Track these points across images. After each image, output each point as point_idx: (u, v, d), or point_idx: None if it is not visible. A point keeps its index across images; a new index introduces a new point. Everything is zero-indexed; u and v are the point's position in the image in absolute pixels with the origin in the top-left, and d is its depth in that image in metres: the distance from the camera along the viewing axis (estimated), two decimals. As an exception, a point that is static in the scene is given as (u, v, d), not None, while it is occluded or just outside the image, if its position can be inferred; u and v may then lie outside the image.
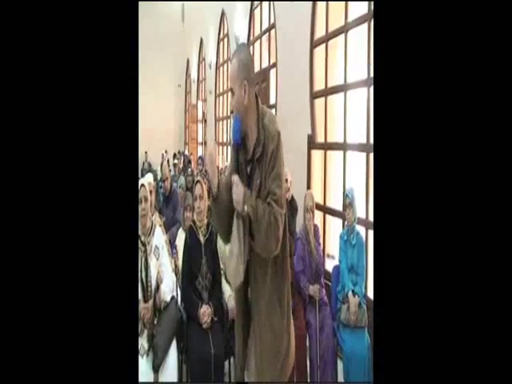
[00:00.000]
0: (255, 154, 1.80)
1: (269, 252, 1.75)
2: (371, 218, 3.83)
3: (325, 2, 4.76)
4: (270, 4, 6.57)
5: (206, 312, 3.00)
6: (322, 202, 4.86)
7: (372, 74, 3.82)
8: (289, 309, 1.87)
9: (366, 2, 3.88)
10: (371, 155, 3.84)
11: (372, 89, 3.81)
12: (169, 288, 3.02)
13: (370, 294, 3.73)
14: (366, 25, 3.91)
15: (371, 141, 3.83)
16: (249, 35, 7.91)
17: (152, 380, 2.77)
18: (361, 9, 4.04)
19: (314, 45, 5.03)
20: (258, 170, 1.79)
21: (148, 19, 13.08)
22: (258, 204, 1.73)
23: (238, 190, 1.73)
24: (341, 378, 3.35)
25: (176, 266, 3.39)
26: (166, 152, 13.93)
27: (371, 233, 3.82)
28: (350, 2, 4.28)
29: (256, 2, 7.45)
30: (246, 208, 1.71)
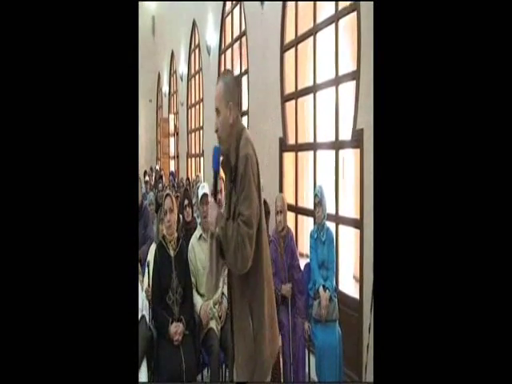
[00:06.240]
0: (231, 176, 1.94)
1: (238, 269, 1.87)
2: (341, 212, 3.91)
3: (294, 7, 4.83)
4: (240, 11, 6.64)
5: (177, 330, 2.97)
6: (294, 203, 4.86)
7: (340, 73, 3.90)
8: (262, 318, 1.93)
9: (333, 3, 3.95)
10: (340, 152, 3.89)
11: (340, 87, 3.88)
12: (138, 308, 2.97)
13: (342, 287, 3.79)
14: (333, 26, 3.98)
15: (340, 137, 3.88)
16: (220, 44, 7.96)
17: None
18: (329, 10, 4.11)
19: (284, 49, 5.09)
20: (234, 190, 1.91)
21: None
22: (228, 225, 1.86)
23: (212, 212, 1.92)
24: (313, 373, 3.37)
25: (148, 284, 3.32)
26: (136, 168, 13.70)
27: (341, 227, 3.88)
28: (318, 4, 4.35)
29: (227, 10, 7.52)
30: (217, 230, 1.88)
